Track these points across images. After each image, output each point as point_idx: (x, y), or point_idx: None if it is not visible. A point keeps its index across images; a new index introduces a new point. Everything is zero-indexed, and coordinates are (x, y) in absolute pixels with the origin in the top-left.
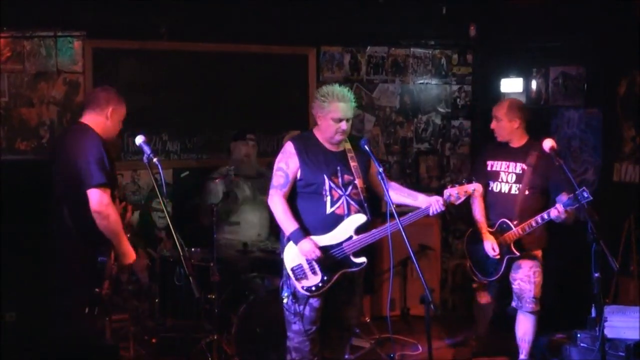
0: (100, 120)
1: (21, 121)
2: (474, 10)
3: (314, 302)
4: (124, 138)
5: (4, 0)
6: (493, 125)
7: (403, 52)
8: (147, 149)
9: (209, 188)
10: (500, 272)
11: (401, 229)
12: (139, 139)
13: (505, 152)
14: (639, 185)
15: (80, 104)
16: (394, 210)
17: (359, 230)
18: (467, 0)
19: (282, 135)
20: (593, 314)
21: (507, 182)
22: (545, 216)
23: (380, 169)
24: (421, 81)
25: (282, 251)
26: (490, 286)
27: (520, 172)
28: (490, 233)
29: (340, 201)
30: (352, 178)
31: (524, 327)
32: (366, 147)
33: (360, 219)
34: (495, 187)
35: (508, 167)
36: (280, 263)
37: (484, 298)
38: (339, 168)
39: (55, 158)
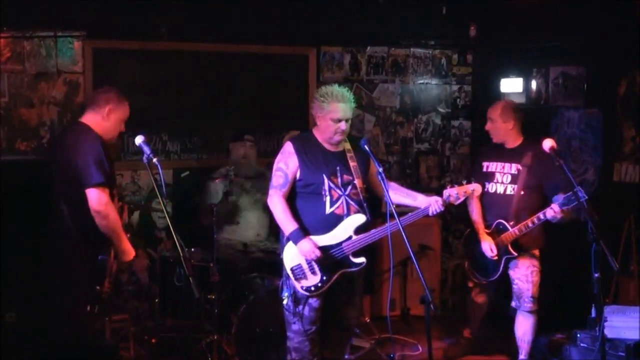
0: (98, 120)
1: (21, 121)
2: (474, 10)
3: (314, 302)
4: (124, 138)
5: (4, 0)
6: (488, 126)
7: (403, 52)
8: (146, 149)
9: (208, 188)
10: (499, 273)
11: (401, 229)
12: (139, 139)
13: (501, 153)
14: (639, 185)
15: (80, 104)
16: (393, 211)
17: (359, 230)
18: (467, 0)
19: (282, 135)
20: (593, 314)
21: (502, 182)
22: (542, 216)
23: (380, 169)
24: (421, 81)
25: (282, 251)
26: (488, 286)
27: (516, 172)
28: (488, 234)
29: (340, 201)
30: (351, 178)
31: (523, 327)
32: (366, 147)
33: (359, 219)
34: (491, 188)
35: (503, 167)
36: (280, 263)
37: (480, 298)
38: (338, 168)
39: (54, 158)
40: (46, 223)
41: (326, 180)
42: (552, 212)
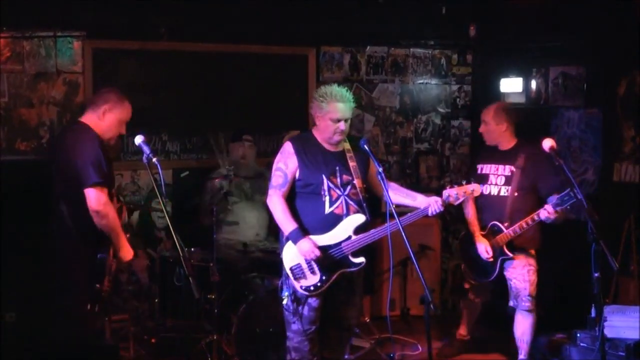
0: (95, 119)
1: (21, 121)
2: (473, 10)
3: (313, 301)
4: (124, 138)
5: (3, 0)
6: (481, 129)
7: (403, 52)
8: (146, 149)
9: (208, 188)
10: (495, 274)
11: (401, 229)
12: (139, 139)
13: (494, 155)
14: (639, 185)
15: (80, 104)
16: (393, 211)
17: (358, 230)
18: (467, 0)
19: (281, 135)
20: (593, 314)
21: (496, 184)
22: (536, 217)
23: (380, 169)
24: (421, 81)
25: (282, 251)
26: (484, 287)
27: (509, 174)
28: (483, 236)
29: (339, 201)
30: (350, 178)
31: (522, 327)
32: (366, 147)
33: (359, 219)
34: (485, 189)
35: (497, 169)
36: (279, 263)
37: (477, 299)
38: (337, 168)
39: (54, 157)
40: (46, 223)
41: (325, 180)
42: (546, 213)
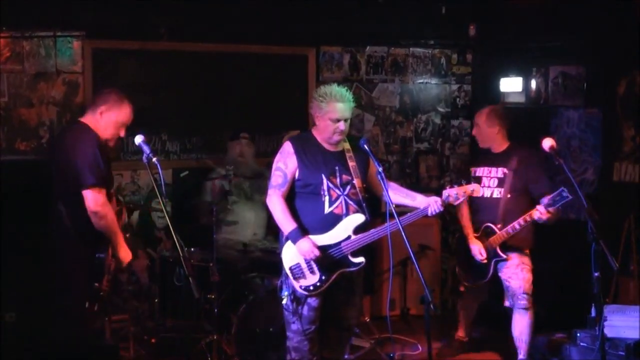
0: (94, 119)
1: (21, 121)
2: (473, 10)
3: (313, 301)
4: (124, 138)
5: (3, 0)
6: (474, 131)
7: (403, 52)
8: (146, 149)
9: (207, 188)
10: (489, 275)
11: (401, 228)
12: (138, 139)
13: (487, 157)
14: (638, 185)
15: (80, 104)
16: (393, 210)
17: (358, 230)
18: (467, 0)
19: (281, 135)
20: (593, 314)
21: (489, 186)
22: (528, 218)
23: (380, 169)
24: (421, 81)
25: (281, 251)
26: (479, 289)
27: (502, 176)
28: (476, 237)
29: (339, 201)
30: (350, 178)
31: (520, 326)
32: (365, 146)
33: (358, 218)
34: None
35: (490, 172)
36: (279, 263)
37: (472, 300)
38: (337, 168)
39: (53, 157)
40: (46, 223)
41: (325, 180)
42: (538, 213)
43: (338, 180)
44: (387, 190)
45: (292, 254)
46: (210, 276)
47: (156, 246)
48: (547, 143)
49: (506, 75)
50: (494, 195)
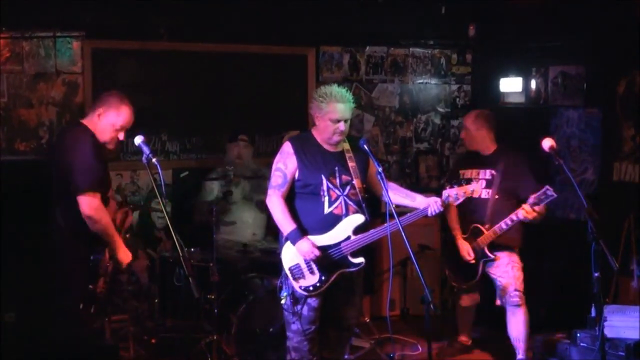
0: (92, 120)
1: (20, 122)
2: (473, 10)
3: (313, 301)
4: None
5: (3, 0)
6: (462, 135)
7: (402, 52)
8: (146, 149)
9: (205, 188)
10: (478, 275)
11: (400, 229)
12: (138, 139)
13: (476, 160)
14: (638, 185)
15: (80, 104)
16: (393, 211)
17: (357, 230)
18: (467, 0)
19: (281, 136)
20: (593, 314)
21: None
22: (514, 217)
23: (380, 169)
24: (420, 81)
25: (281, 251)
26: (472, 290)
27: (490, 177)
28: (464, 238)
29: (338, 201)
30: (349, 178)
31: (515, 326)
32: (365, 147)
33: (358, 219)
34: None
35: (478, 174)
36: (279, 263)
37: (465, 301)
38: (336, 169)
39: (53, 157)
40: (46, 223)
41: (324, 181)
42: (524, 212)
43: (338, 180)
44: (386, 191)
45: (291, 255)
46: (210, 276)
47: (156, 246)
48: (547, 143)
49: (506, 76)
50: (482, 196)
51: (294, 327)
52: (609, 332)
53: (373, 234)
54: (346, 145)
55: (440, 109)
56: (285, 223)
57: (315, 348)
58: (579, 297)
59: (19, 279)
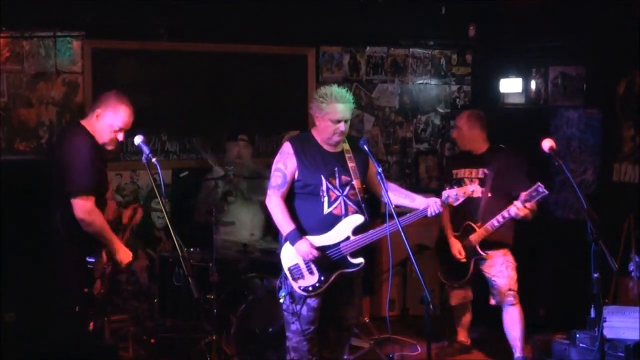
0: (91, 121)
1: (20, 122)
2: (473, 10)
3: (312, 302)
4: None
5: (3, 0)
6: (454, 135)
7: (402, 52)
8: (146, 149)
9: (205, 188)
10: (469, 274)
11: (400, 229)
12: (138, 139)
13: (468, 160)
14: (638, 185)
15: (80, 104)
16: (393, 211)
17: (357, 230)
18: (467, 0)
19: (281, 136)
20: (592, 314)
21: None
22: (506, 214)
23: (380, 169)
24: (420, 81)
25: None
26: (464, 289)
27: (483, 176)
28: (456, 237)
29: (338, 202)
30: (349, 179)
31: (512, 325)
32: (365, 147)
33: (357, 219)
34: None
35: (471, 173)
36: (279, 263)
37: (454, 299)
38: (336, 169)
39: (53, 158)
40: (46, 223)
41: (324, 181)
42: (515, 209)
43: (337, 181)
44: (386, 191)
45: (290, 255)
46: (210, 276)
47: (156, 246)
48: (547, 144)
49: (506, 76)
50: (475, 195)
51: (293, 327)
52: (608, 333)
53: (372, 235)
54: (346, 146)
55: (440, 110)
56: (284, 223)
57: (314, 348)
58: (579, 297)
59: (19, 279)
